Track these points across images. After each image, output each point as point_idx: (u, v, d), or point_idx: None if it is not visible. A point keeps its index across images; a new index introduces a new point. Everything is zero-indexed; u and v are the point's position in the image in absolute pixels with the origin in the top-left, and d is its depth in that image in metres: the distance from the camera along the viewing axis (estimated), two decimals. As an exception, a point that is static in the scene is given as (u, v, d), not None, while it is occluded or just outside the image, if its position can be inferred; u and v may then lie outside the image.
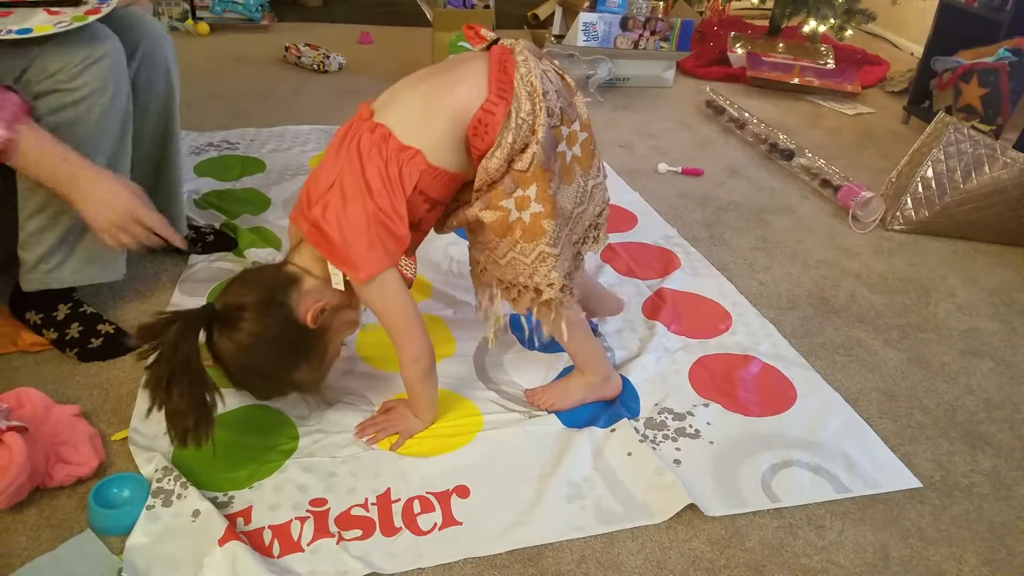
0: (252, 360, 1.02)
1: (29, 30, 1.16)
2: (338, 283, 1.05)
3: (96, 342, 1.29)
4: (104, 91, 1.20)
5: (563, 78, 1.12)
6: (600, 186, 1.18)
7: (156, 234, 1.19)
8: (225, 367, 1.02)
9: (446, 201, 1.12)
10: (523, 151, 1.04)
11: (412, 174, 1.02)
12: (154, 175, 1.48)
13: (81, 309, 1.31)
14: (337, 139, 1.06)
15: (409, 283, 1.13)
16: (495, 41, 1.11)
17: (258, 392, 1.11)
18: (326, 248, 1.03)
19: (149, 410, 0.95)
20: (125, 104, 1.27)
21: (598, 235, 1.22)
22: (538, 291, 1.11)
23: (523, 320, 1.22)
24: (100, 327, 1.31)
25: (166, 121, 1.47)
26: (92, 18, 1.23)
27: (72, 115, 1.19)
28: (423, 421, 1.17)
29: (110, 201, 1.15)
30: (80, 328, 1.29)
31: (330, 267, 1.05)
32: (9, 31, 1.15)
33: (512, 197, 1.05)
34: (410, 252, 1.16)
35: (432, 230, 1.19)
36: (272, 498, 1.03)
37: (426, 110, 1.04)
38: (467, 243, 1.19)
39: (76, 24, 1.21)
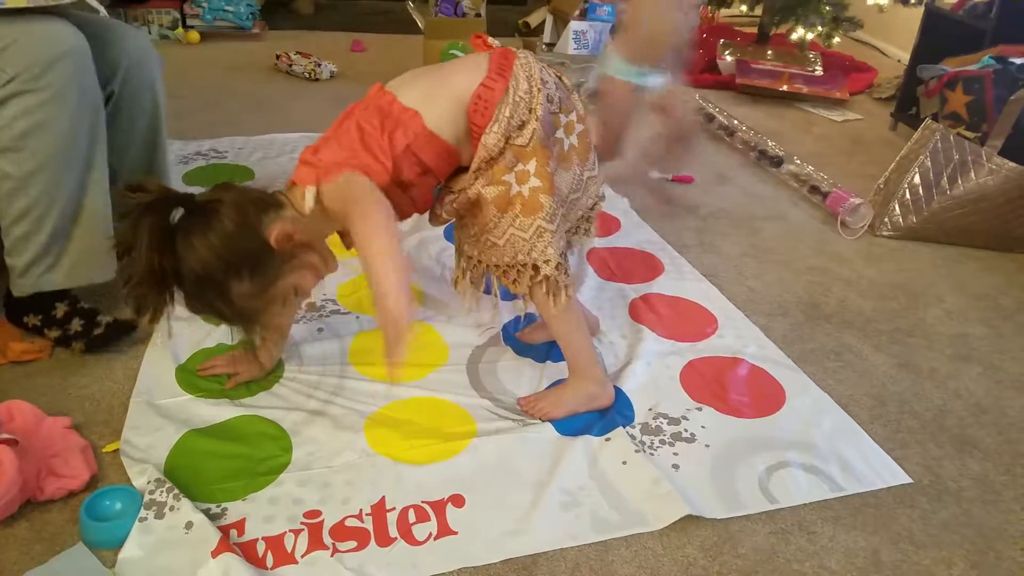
0: (201, 253, 0.99)
1: (2, 2, 1.14)
2: (309, 202, 1.05)
3: (99, 331, 1.30)
4: (70, 89, 1.18)
5: (560, 77, 1.18)
6: (595, 179, 1.24)
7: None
8: (176, 256, 1.00)
9: (438, 175, 1.14)
10: (521, 128, 1.10)
11: (407, 132, 1.07)
12: None
13: (79, 305, 1.32)
14: (343, 114, 1.13)
15: None
16: None
17: (192, 296, 1.04)
18: (306, 170, 1.06)
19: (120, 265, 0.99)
20: (95, 101, 1.25)
21: (589, 228, 1.28)
22: (536, 268, 1.13)
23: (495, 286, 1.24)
24: (100, 319, 1.32)
25: (153, 134, 1.48)
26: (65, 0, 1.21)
27: (42, 117, 1.17)
28: (386, 308, 0.95)
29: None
30: (81, 322, 1.30)
31: (307, 193, 1.05)
32: None
33: (513, 172, 1.10)
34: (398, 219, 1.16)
35: (429, 222, 1.23)
36: (266, 510, 1.03)
37: (430, 87, 1.12)
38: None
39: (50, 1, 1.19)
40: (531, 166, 1.10)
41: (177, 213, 1.01)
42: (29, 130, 1.16)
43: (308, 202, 1.05)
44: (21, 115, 1.15)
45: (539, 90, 1.10)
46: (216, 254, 1.00)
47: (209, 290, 1.02)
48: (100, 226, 1.30)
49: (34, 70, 1.14)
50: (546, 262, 1.13)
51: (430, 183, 1.14)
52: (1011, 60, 1.94)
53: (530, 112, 1.10)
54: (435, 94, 1.10)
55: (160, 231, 0.98)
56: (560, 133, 1.15)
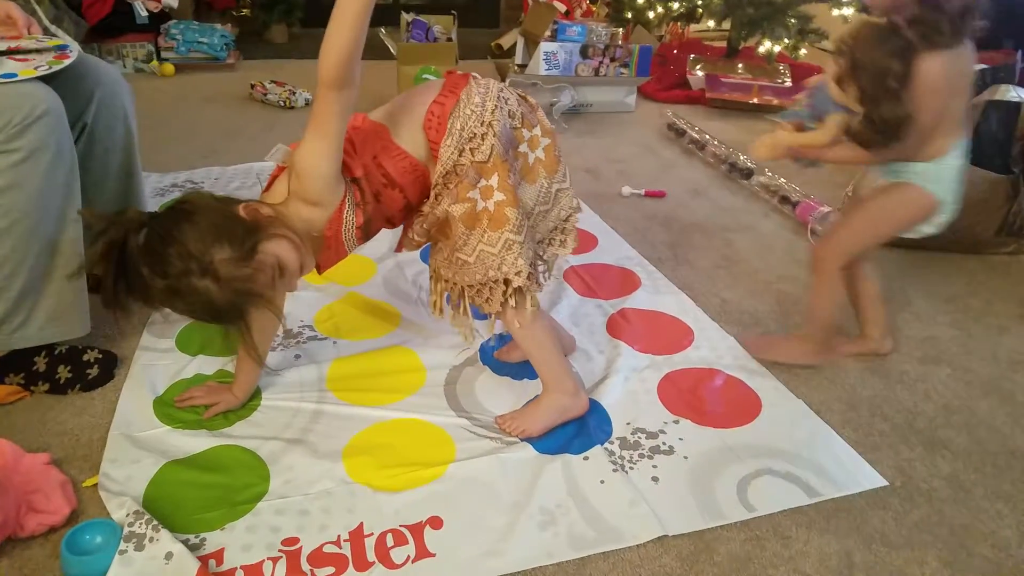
0: (179, 236, 0.99)
1: (14, 75, 1.18)
2: (278, 155, 1.09)
3: (93, 372, 1.30)
4: (46, 149, 1.19)
5: (524, 97, 1.22)
6: (565, 191, 1.26)
7: None
8: (153, 251, 1.00)
9: (406, 191, 1.16)
10: (474, 141, 1.12)
11: (375, 143, 1.12)
12: None
13: (57, 352, 1.31)
14: None
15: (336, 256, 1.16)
16: None
17: (178, 289, 1.00)
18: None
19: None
20: (70, 159, 1.26)
21: (565, 239, 1.29)
22: (507, 281, 1.15)
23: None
24: (86, 357, 1.31)
25: (127, 165, 1.49)
26: (66, 62, 1.26)
27: (15, 177, 1.17)
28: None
29: None
30: (69, 368, 1.29)
31: (276, 149, 1.09)
32: None
33: (477, 188, 1.13)
34: (369, 232, 1.19)
35: (404, 248, 1.26)
36: (244, 539, 1.04)
37: (392, 108, 1.17)
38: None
39: (55, 67, 1.23)
40: (494, 181, 1.13)
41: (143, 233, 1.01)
42: (1, 190, 1.17)
43: (276, 154, 1.08)
44: None
45: (496, 106, 1.14)
46: (193, 236, 0.99)
47: (193, 270, 0.99)
48: (74, 283, 1.29)
49: (8, 131, 1.15)
50: (517, 274, 1.15)
51: (397, 198, 1.16)
52: (967, 68, 1.99)
53: (485, 126, 1.13)
54: (396, 113, 1.16)
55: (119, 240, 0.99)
56: (524, 147, 1.19)
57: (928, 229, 1.39)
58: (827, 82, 1.28)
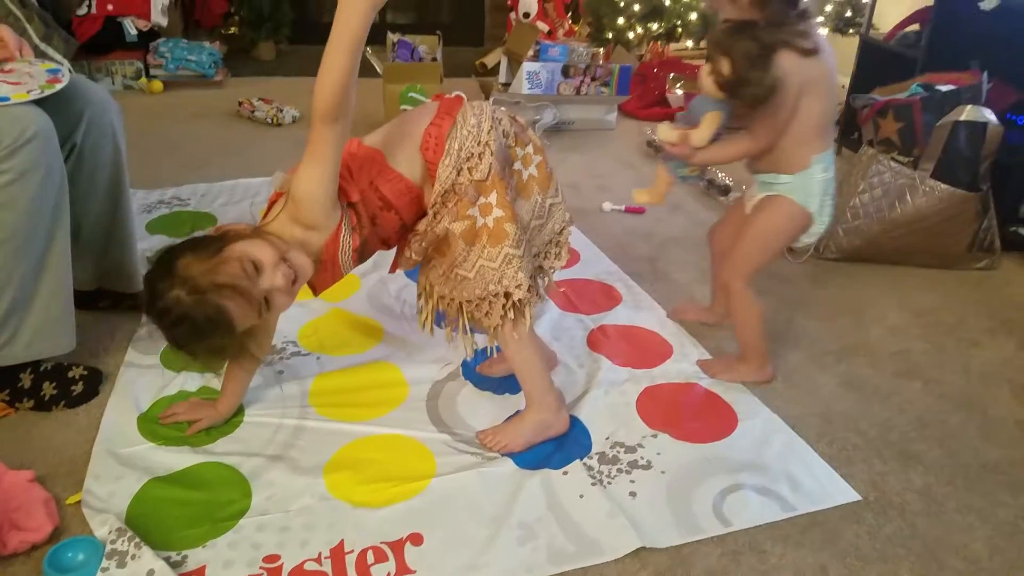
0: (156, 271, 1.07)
1: (7, 98, 1.19)
2: (277, 181, 1.12)
3: (77, 388, 1.31)
4: (36, 171, 1.20)
5: (513, 117, 1.26)
6: (558, 205, 1.30)
7: None
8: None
9: (401, 213, 1.18)
10: (472, 160, 1.15)
11: (371, 168, 1.14)
12: (105, 237, 1.50)
13: (43, 368, 1.32)
14: None
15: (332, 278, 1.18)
16: None
17: (154, 307, 1.04)
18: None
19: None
20: (59, 179, 1.27)
21: (560, 252, 1.33)
22: (507, 295, 1.18)
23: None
24: (71, 374, 1.32)
25: (115, 184, 1.50)
26: (58, 86, 1.27)
27: (5, 198, 1.18)
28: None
29: None
30: (54, 385, 1.30)
31: (275, 177, 1.13)
32: None
33: (476, 205, 1.16)
34: (365, 254, 1.22)
35: (399, 267, 1.28)
36: (226, 555, 1.05)
37: (388, 132, 1.20)
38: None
39: (48, 92, 1.24)
40: (492, 198, 1.16)
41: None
42: None
43: (274, 180, 1.11)
44: None
45: (491, 126, 1.17)
46: (168, 251, 1.08)
47: (165, 288, 1.03)
48: (61, 299, 1.30)
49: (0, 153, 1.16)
50: (518, 287, 1.18)
51: (393, 220, 1.18)
52: (937, 87, 2.04)
53: (482, 145, 1.16)
54: (392, 137, 1.18)
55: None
56: (518, 165, 1.23)
57: (807, 239, 1.45)
58: (703, 78, 1.33)
